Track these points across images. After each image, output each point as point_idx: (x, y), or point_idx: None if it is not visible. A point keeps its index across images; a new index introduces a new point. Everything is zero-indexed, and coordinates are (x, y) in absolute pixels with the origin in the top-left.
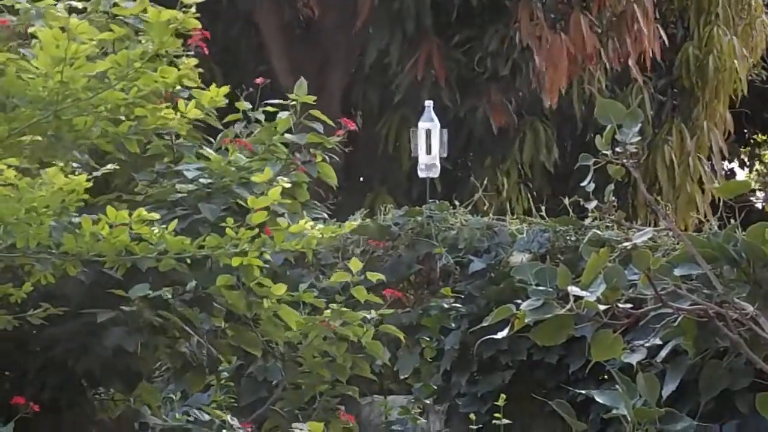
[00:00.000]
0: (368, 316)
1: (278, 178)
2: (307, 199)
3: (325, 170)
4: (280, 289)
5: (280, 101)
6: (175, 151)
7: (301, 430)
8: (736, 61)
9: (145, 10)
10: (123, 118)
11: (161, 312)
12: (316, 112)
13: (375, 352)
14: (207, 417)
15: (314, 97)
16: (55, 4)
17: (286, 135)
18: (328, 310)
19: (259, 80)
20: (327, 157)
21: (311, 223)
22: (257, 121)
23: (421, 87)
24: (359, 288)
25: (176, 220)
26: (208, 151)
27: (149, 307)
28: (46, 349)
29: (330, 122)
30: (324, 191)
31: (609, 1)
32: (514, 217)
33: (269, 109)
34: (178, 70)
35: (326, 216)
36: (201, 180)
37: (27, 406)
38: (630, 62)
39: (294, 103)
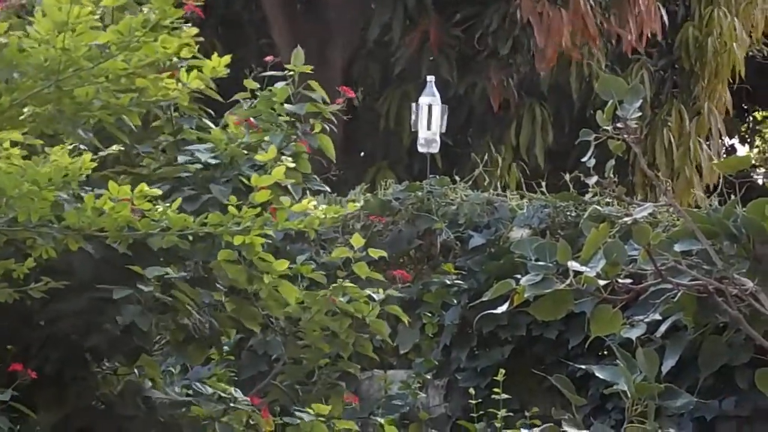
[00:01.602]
0: (374, 295)
1: (283, 157)
2: (308, 170)
3: (324, 142)
4: (282, 265)
5: (279, 72)
6: (174, 124)
7: (303, 413)
8: (735, 44)
9: None
10: (124, 89)
11: (173, 292)
12: (314, 83)
13: (379, 331)
14: (209, 390)
15: (311, 67)
16: None
17: (285, 105)
18: (333, 285)
19: (268, 58)
20: (327, 128)
21: (314, 202)
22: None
23: (420, 62)
24: (361, 264)
25: (180, 199)
26: (207, 123)
27: (161, 286)
28: (52, 323)
29: (325, 96)
30: (326, 162)
31: None
32: (514, 192)
33: (273, 89)
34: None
35: (327, 189)
36: (210, 160)
37: (25, 373)
38: (630, 42)
39: (292, 73)
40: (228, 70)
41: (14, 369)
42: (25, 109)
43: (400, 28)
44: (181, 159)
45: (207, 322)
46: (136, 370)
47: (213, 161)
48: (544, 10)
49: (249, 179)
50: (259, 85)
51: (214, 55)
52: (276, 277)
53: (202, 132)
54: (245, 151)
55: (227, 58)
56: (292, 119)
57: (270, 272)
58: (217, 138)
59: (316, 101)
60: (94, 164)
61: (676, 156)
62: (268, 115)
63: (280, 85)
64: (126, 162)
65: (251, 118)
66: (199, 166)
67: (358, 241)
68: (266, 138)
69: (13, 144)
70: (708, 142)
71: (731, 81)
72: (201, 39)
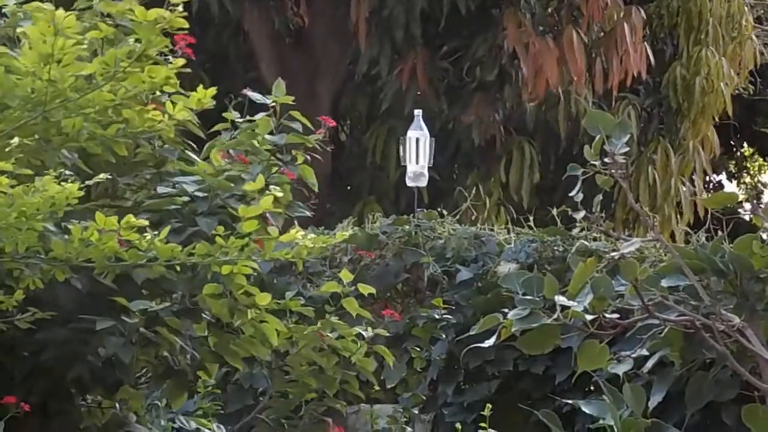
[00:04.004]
0: (363, 333)
1: (270, 186)
2: (290, 200)
3: (306, 173)
4: (265, 299)
5: (260, 99)
6: (157, 156)
7: None
8: (722, 84)
9: (132, 9)
10: (111, 119)
11: (157, 328)
12: (296, 113)
13: (365, 369)
14: (193, 425)
15: (293, 98)
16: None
17: (266, 136)
18: (322, 321)
19: (246, 90)
20: (308, 158)
21: (302, 232)
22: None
23: (407, 96)
24: (350, 300)
25: (167, 229)
26: (192, 156)
27: (145, 319)
28: (35, 354)
29: (309, 125)
30: (308, 191)
31: (598, 17)
32: (502, 227)
33: (256, 120)
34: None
35: (309, 214)
36: (197, 193)
37: (17, 405)
38: (615, 84)
39: (273, 104)
40: (214, 102)
41: (8, 401)
42: (12, 141)
43: (387, 63)
44: (161, 189)
45: (189, 355)
46: (119, 404)
47: (200, 194)
48: (531, 40)
49: (235, 210)
50: (239, 115)
51: (200, 87)
52: (261, 311)
53: (186, 163)
54: (232, 184)
55: (213, 90)
56: (274, 150)
57: (253, 306)
58: (202, 169)
59: (297, 131)
60: (81, 193)
61: (659, 194)
62: (250, 146)
63: (261, 115)
64: (109, 194)
65: (239, 152)
66: (186, 198)
67: (347, 276)
68: (248, 169)
69: (1, 173)
70: (692, 178)
71: (717, 120)
72: (188, 71)
